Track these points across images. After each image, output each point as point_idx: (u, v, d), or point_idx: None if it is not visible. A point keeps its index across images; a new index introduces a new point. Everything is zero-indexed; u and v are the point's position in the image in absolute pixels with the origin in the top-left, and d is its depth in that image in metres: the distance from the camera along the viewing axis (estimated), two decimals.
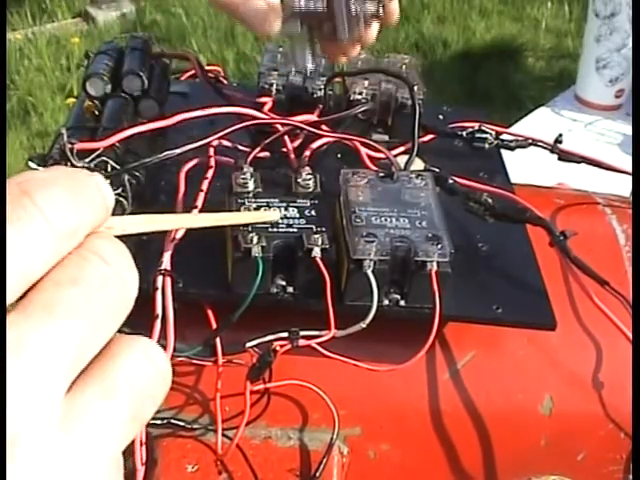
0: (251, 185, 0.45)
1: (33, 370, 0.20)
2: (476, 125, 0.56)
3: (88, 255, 0.22)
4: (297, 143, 0.53)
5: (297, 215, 0.43)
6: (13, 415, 0.19)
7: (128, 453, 0.38)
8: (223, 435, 0.43)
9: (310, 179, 0.46)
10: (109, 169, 0.45)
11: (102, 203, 0.23)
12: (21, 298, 0.21)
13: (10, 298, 0.20)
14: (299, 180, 0.46)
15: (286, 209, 0.44)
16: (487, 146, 0.55)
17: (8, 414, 0.19)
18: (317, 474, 0.44)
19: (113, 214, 0.24)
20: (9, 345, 0.20)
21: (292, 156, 0.52)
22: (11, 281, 0.20)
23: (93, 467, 0.21)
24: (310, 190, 0.46)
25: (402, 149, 0.54)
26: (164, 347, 0.40)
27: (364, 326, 0.41)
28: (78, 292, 0.21)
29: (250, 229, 0.41)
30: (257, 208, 0.44)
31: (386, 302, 0.43)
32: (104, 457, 0.22)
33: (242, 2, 0.51)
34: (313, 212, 0.44)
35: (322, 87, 0.56)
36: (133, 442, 0.39)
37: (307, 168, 0.47)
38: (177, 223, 0.29)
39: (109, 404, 0.22)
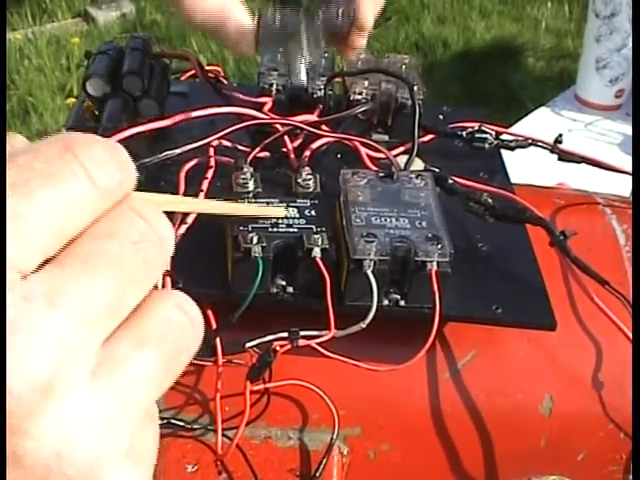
0: (251, 185, 0.45)
1: (67, 321, 0.20)
2: (476, 125, 0.56)
3: (126, 211, 0.22)
4: (297, 143, 0.53)
5: (297, 215, 0.43)
6: (46, 365, 0.19)
7: None
8: (223, 435, 0.43)
9: (310, 179, 0.46)
10: None
11: (134, 170, 0.23)
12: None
13: (49, 252, 0.21)
14: (299, 180, 0.46)
15: (286, 209, 0.44)
16: (487, 146, 0.55)
17: (41, 363, 0.19)
18: (317, 474, 0.44)
19: None
20: (43, 296, 0.20)
21: (292, 156, 0.52)
22: (48, 236, 0.20)
23: (126, 416, 0.22)
24: (310, 190, 0.46)
25: (402, 149, 0.54)
26: None
27: (364, 326, 0.41)
28: (115, 245, 0.21)
29: (250, 229, 0.41)
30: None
31: (386, 302, 0.43)
32: (137, 406, 0.22)
33: (215, 26, 0.53)
34: (313, 212, 0.44)
35: (322, 87, 0.56)
36: None
37: (307, 168, 0.47)
38: (196, 207, 0.29)
39: (143, 353, 0.22)
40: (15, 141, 0.23)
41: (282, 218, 0.43)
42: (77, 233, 0.21)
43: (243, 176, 0.45)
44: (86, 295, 0.21)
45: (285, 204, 0.44)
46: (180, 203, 0.28)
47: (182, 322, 0.23)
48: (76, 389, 0.20)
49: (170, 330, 0.23)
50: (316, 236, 0.42)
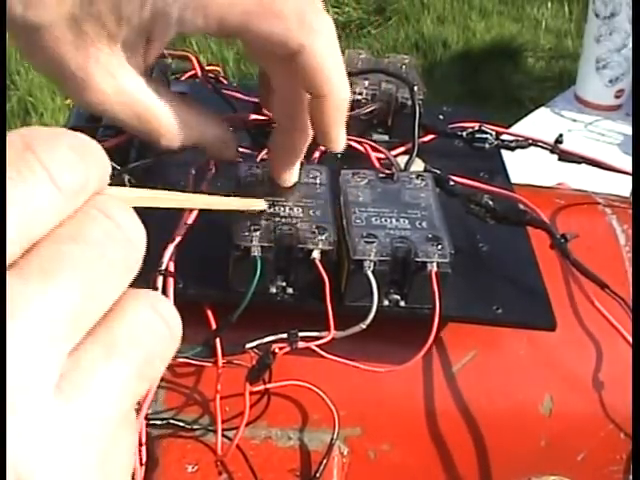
0: (257, 184, 0.45)
1: (28, 334, 0.19)
2: (476, 125, 0.56)
3: (90, 211, 0.21)
4: None
5: (297, 215, 0.43)
6: (9, 383, 0.18)
7: None
8: (223, 435, 0.43)
9: (311, 179, 0.46)
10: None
11: (106, 165, 0.22)
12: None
13: (9, 259, 0.19)
14: (303, 181, 0.46)
15: (291, 209, 0.44)
16: (487, 146, 0.55)
17: (7, 381, 0.18)
18: (317, 474, 0.44)
19: None
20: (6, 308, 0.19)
21: None
22: (10, 241, 0.19)
23: (95, 432, 0.20)
24: (310, 190, 0.46)
25: (402, 149, 0.54)
26: None
27: (364, 327, 0.41)
28: (78, 249, 0.20)
29: (250, 229, 0.41)
30: None
31: (386, 303, 0.43)
32: (108, 420, 0.21)
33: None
34: (313, 212, 0.44)
35: None
36: None
37: (312, 169, 0.47)
38: (171, 202, 0.28)
39: (111, 362, 0.21)
40: None
41: (282, 217, 0.43)
42: (39, 237, 0.20)
43: (251, 175, 0.45)
44: (47, 306, 0.19)
45: (285, 204, 0.44)
46: (154, 198, 0.26)
47: (155, 324, 0.22)
48: (38, 407, 0.19)
49: (142, 334, 0.21)
50: (316, 237, 0.42)
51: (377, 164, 0.52)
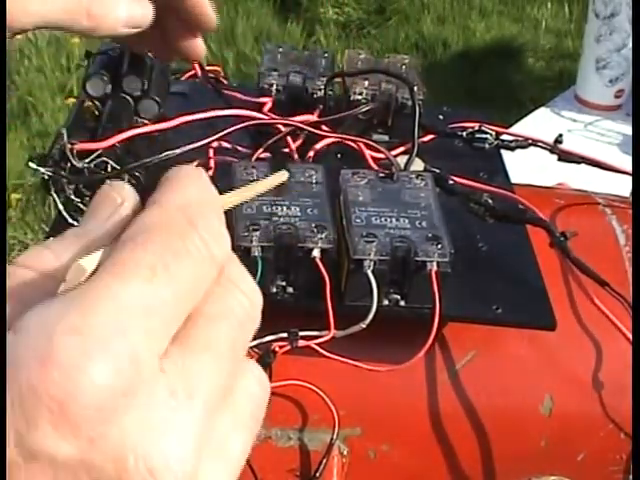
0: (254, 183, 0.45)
1: (201, 412, 0.21)
2: (476, 125, 0.56)
3: (230, 287, 0.23)
4: (297, 143, 0.53)
5: (298, 215, 0.43)
6: (191, 458, 0.21)
7: None
8: None
9: (311, 179, 0.46)
10: (109, 169, 0.45)
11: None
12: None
13: (174, 330, 0.21)
14: (300, 180, 0.46)
15: (289, 208, 0.44)
16: (487, 146, 0.55)
17: (188, 458, 0.21)
18: (317, 474, 0.44)
19: None
20: (184, 390, 0.21)
21: (293, 156, 0.52)
22: (180, 318, 0.21)
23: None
24: (311, 190, 0.46)
25: (402, 149, 0.54)
26: None
27: (364, 326, 0.41)
28: (228, 328, 0.23)
29: (250, 229, 0.41)
30: (259, 206, 0.44)
31: (386, 302, 0.43)
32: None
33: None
34: (313, 212, 0.44)
35: (322, 87, 0.56)
36: None
37: (312, 169, 0.47)
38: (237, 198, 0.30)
39: (239, 434, 0.23)
40: (122, 191, 0.23)
41: (283, 217, 0.43)
42: (197, 307, 0.22)
43: (247, 173, 0.45)
44: (212, 383, 0.22)
45: (286, 204, 0.44)
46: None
47: (263, 398, 0.25)
48: (205, 471, 0.21)
49: (256, 409, 0.24)
50: (316, 236, 0.42)
51: (372, 162, 0.52)
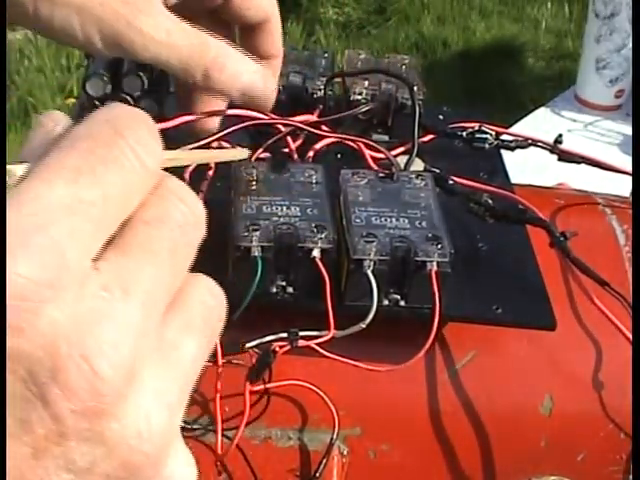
0: (254, 183, 0.45)
1: (139, 308, 0.21)
2: (476, 125, 0.56)
3: (168, 195, 0.24)
4: (297, 143, 0.53)
5: (298, 215, 0.43)
6: (130, 351, 0.21)
7: None
8: (223, 435, 0.43)
9: (311, 179, 0.46)
10: None
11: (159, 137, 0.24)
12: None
13: (109, 235, 0.22)
14: (299, 180, 0.46)
15: (288, 208, 0.44)
16: (487, 146, 0.55)
17: (126, 350, 0.21)
18: (317, 474, 0.44)
19: None
20: (120, 286, 0.21)
21: (293, 156, 0.52)
22: (114, 222, 0.22)
23: (181, 398, 0.24)
24: (310, 190, 0.46)
25: (402, 149, 0.54)
26: None
27: (364, 326, 0.41)
28: (167, 230, 0.23)
29: (249, 229, 0.41)
30: (259, 206, 0.44)
31: (386, 302, 0.43)
32: (187, 389, 0.24)
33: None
34: (313, 212, 0.44)
35: (322, 87, 0.56)
36: None
37: (312, 168, 0.47)
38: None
39: (190, 339, 0.24)
40: (57, 117, 0.24)
41: (283, 217, 0.43)
42: (132, 214, 0.23)
43: (247, 174, 0.45)
44: (152, 282, 0.22)
45: (286, 203, 0.44)
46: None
47: (216, 306, 0.25)
48: (149, 373, 0.22)
49: (209, 315, 0.25)
50: (316, 236, 0.42)
51: (372, 162, 0.52)
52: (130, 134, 0.23)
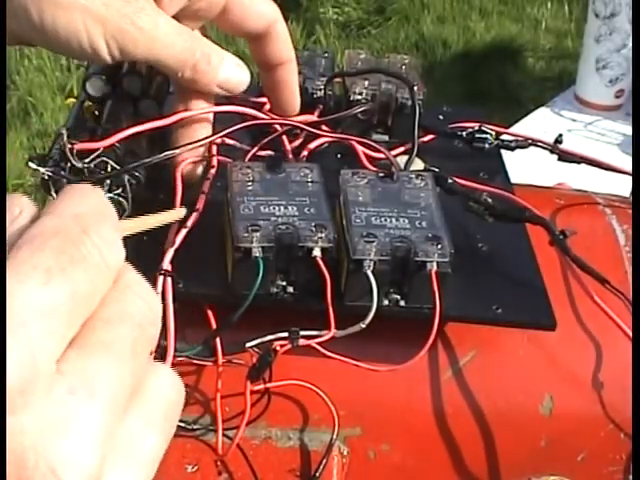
0: (250, 184, 0.45)
1: (104, 411, 0.22)
2: (476, 125, 0.56)
3: (127, 292, 0.24)
4: (297, 143, 0.53)
5: (296, 214, 0.43)
6: (95, 459, 0.21)
7: None
8: (223, 435, 0.43)
9: (310, 179, 0.46)
10: (109, 169, 0.45)
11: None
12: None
13: (73, 333, 0.22)
14: (295, 179, 0.46)
15: (286, 208, 0.44)
16: (487, 146, 0.55)
17: (93, 458, 0.21)
18: (317, 474, 0.44)
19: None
20: (84, 389, 0.21)
21: (292, 156, 0.52)
22: (78, 322, 0.22)
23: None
24: (307, 189, 0.46)
25: (402, 149, 0.54)
26: (164, 347, 0.40)
27: (364, 326, 0.41)
28: (127, 330, 0.23)
29: (249, 230, 0.42)
30: (257, 206, 0.44)
31: (386, 302, 0.43)
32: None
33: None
34: (311, 211, 0.44)
35: (322, 87, 0.56)
36: None
37: (307, 168, 0.47)
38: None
39: (151, 433, 0.24)
40: (20, 202, 0.24)
41: (283, 217, 0.43)
42: (92, 313, 0.23)
43: (242, 174, 0.45)
44: (114, 381, 0.22)
45: (284, 203, 0.44)
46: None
47: (176, 401, 0.25)
48: (113, 474, 0.22)
49: (169, 410, 0.25)
50: (316, 236, 0.42)
51: (371, 162, 0.52)
52: (95, 231, 0.23)
